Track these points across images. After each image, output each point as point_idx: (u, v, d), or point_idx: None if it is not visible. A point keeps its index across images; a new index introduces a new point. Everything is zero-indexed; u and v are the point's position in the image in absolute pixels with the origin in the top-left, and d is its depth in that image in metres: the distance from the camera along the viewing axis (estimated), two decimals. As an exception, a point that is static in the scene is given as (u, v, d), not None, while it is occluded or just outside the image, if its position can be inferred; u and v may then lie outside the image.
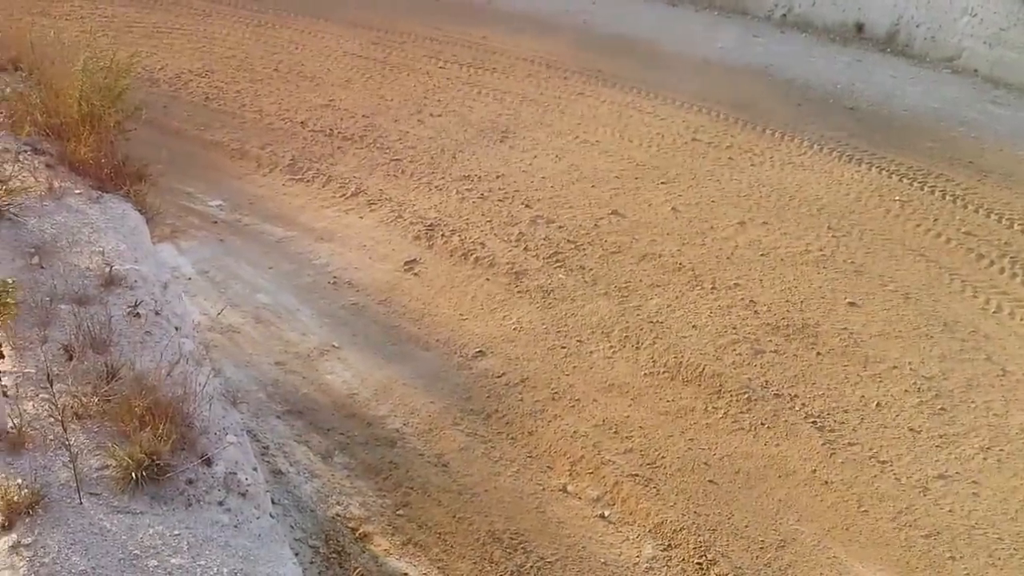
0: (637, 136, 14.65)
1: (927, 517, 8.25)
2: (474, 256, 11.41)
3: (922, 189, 13.42)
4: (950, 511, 8.32)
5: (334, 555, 7.47)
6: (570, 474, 8.50)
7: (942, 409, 9.45)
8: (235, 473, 6.44)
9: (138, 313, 7.53)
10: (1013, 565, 7.83)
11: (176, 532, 5.71)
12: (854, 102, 16.25)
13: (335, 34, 18.13)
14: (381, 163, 13.49)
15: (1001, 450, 9.01)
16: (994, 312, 10.90)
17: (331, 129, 14.38)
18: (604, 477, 8.45)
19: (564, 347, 10.04)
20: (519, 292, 10.86)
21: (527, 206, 12.52)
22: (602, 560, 7.72)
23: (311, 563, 7.34)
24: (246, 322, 10.07)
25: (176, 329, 7.78)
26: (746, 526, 8.07)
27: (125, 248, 8.41)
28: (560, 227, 12.07)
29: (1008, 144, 14.98)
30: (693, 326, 10.39)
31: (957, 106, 16.23)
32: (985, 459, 8.89)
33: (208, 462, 6.35)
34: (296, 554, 6.96)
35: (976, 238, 12.29)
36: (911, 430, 9.18)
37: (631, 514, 8.13)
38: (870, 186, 13.46)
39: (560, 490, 8.35)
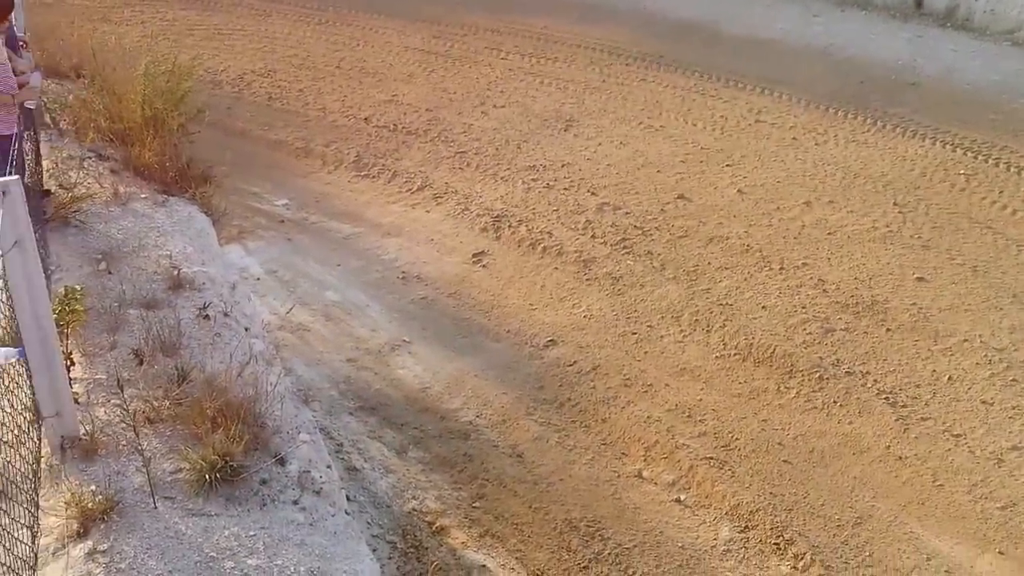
0: (701, 120, 14.58)
1: (1002, 489, 8.16)
2: (542, 246, 11.42)
3: (987, 162, 13.23)
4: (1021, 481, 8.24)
5: (411, 549, 7.50)
6: (645, 460, 8.49)
7: (1014, 380, 9.32)
8: (309, 471, 6.51)
9: (207, 315, 7.64)
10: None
11: (252, 533, 5.77)
12: (916, 78, 16.02)
13: (396, 29, 18.25)
14: (446, 156, 13.55)
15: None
16: (1064, 283, 10.70)
17: (395, 124, 14.46)
18: (679, 461, 8.43)
19: (635, 333, 10.02)
20: (588, 280, 10.85)
21: (593, 194, 12.51)
22: (679, 544, 7.70)
23: (389, 558, 7.38)
24: (316, 320, 10.16)
25: (246, 330, 7.89)
26: (822, 505, 8.02)
27: (192, 251, 8.55)
28: (627, 213, 12.05)
29: (1074, 115, 14.68)
30: (763, 307, 10.33)
31: (1019, 78, 15.95)
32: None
33: (282, 461, 6.43)
34: (374, 550, 7.03)
35: (1043, 209, 12.08)
36: (983, 402, 9.07)
37: (707, 497, 8.11)
38: (934, 161, 13.28)
39: (635, 476, 8.34)
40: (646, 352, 9.76)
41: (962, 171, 13.02)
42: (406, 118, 14.66)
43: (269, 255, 11.25)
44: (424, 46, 17.48)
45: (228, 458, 5.99)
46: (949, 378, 9.37)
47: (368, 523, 7.70)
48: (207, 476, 5.88)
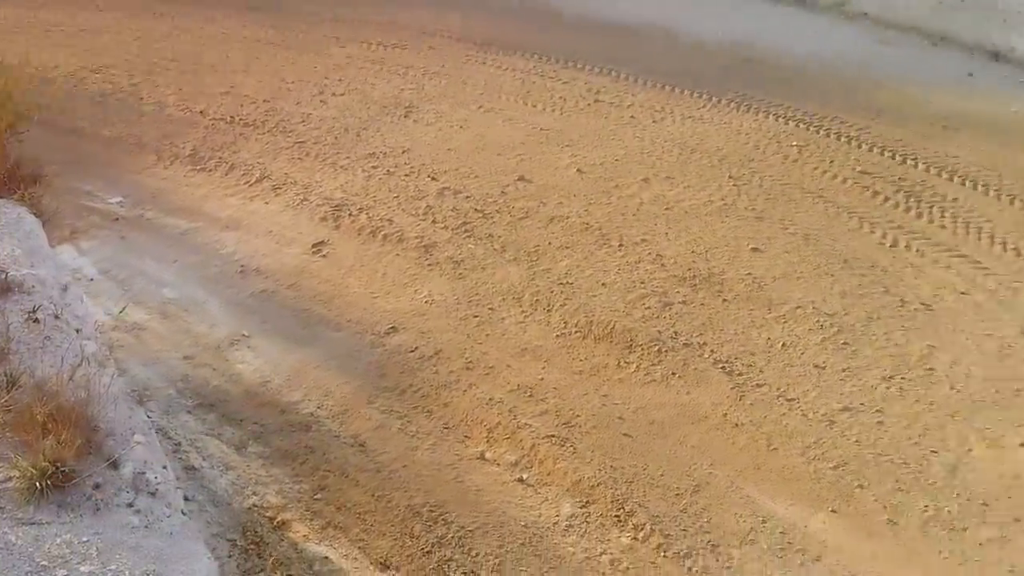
0: (540, 101, 14.68)
1: (835, 449, 8.43)
2: (382, 233, 11.36)
3: (818, 133, 13.61)
4: (856, 441, 8.52)
5: (252, 546, 7.40)
6: (487, 441, 8.53)
7: (844, 344, 9.63)
8: (144, 473, 6.36)
9: (36, 319, 7.40)
10: (918, 488, 8.05)
11: (84, 539, 5.63)
12: (750, 53, 16.38)
13: (233, 20, 17.92)
14: (284, 147, 13.38)
15: (903, 378, 9.23)
16: (891, 246, 11.11)
17: (232, 116, 14.21)
18: (521, 441, 8.48)
19: (476, 316, 10.05)
20: (429, 265, 10.84)
21: (433, 179, 12.49)
22: (522, 523, 7.76)
23: (229, 556, 7.26)
24: (152, 318, 9.94)
25: (77, 332, 7.65)
26: (661, 475, 8.17)
27: (20, 253, 8.27)
28: (467, 197, 12.07)
29: (899, 83, 15.30)
30: (602, 284, 10.45)
31: (850, 49, 16.54)
32: (888, 388, 9.10)
33: (115, 464, 6.27)
34: (213, 549, 6.90)
35: (871, 176, 12.51)
36: (816, 367, 9.35)
37: (549, 475, 8.18)
38: (768, 134, 13.63)
39: (478, 458, 8.38)
40: (488, 335, 9.79)
41: (794, 143, 13.38)
42: (243, 110, 14.42)
43: (103, 254, 10.94)
44: (262, 36, 17.21)
45: (59, 464, 5.83)
46: (783, 344, 9.62)
47: (208, 522, 7.56)
48: (38, 483, 5.73)
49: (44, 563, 5.38)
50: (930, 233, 11.32)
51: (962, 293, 10.35)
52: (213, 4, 18.59)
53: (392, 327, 9.89)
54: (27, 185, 9.47)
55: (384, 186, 12.33)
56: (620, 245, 11.07)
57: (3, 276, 7.73)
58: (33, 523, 5.64)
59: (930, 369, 9.35)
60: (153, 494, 6.24)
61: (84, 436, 6.21)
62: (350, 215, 11.69)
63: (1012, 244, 11.02)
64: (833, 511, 7.87)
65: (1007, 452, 8.37)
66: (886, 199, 11.98)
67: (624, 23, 17.83)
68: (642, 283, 10.46)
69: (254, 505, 7.83)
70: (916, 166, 12.66)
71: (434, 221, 11.57)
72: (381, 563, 7.41)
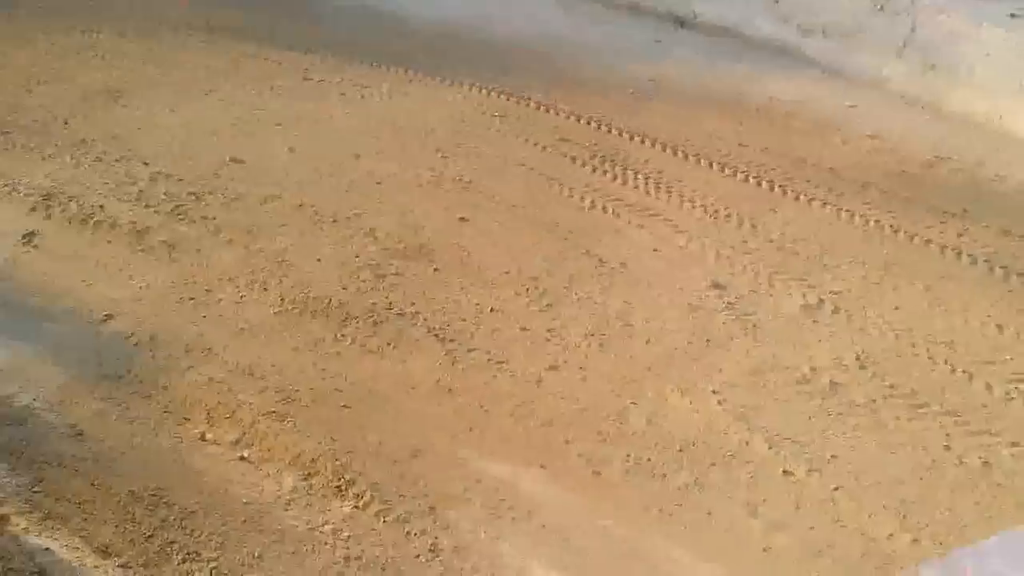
0: (251, 81, 14.68)
1: (542, 407, 8.94)
2: (94, 220, 11.21)
3: (519, 104, 14.19)
4: (562, 398, 9.05)
5: (-31, 542, 7.35)
6: (207, 421, 8.64)
7: (548, 305, 10.19)
8: None
9: None
10: (620, 439, 8.66)
11: None
12: (455, 28, 16.83)
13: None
14: (-12, 138, 12.96)
15: (603, 335, 9.83)
16: (589, 209, 11.77)
17: (-69, 112, 13.63)
18: (241, 419, 8.64)
19: (192, 298, 10.10)
20: (143, 250, 10.79)
21: (145, 164, 12.38)
22: (244, 500, 7.93)
23: (-55, 555, 7.21)
24: None
25: None
26: (380, 444, 8.48)
27: None
28: (180, 180, 12.04)
29: (594, 53, 16.07)
30: (318, 260, 10.69)
31: (551, 25, 17.10)
32: (589, 346, 9.68)
33: None
34: None
35: (570, 143, 13.19)
36: (522, 329, 9.86)
37: (270, 450, 8.37)
38: (472, 107, 14.12)
39: (198, 439, 8.47)
40: (204, 316, 9.88)
41: (496, 113, 13.93)
42: (-55, 105, 13.85)
43: None
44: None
45: None
46: (491, 309, 10.10)
47: (-79, 526, 7.47)
48: None
49: None
50: (625, 195, 12.03)
51: (655, 251, 11.07)
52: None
53: (108, 315, 9.82)
54: None
55: (94, 173, 12.14)
56: (334, 221, 11.32)
57: None
58: None
59: (628, 325, 9.98)
60: None
61: None
62: (60, 204, 11.45)
63: (700, 202, 11.83)
64: (542, 467, 8.35)
65: (700, 401, 9.04)
66: (583, 164, 12.64)
67: (332, 5, 17.86)
68: (356, 257, 10.75)
69: (-31, 502, 7.75)
70: (610, 132, 13.40)
71: (147, 206, 11.50)
72: (103, 550, 7.44)
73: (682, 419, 8.88)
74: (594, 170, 12.46)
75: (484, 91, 14.43)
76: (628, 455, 8.47)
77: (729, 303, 10.35)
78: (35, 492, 7.89)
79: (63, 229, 11.15)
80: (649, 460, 8.44)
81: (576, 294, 10.37)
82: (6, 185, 11.86)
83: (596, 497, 8.12)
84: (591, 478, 8.28)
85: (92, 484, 7.99)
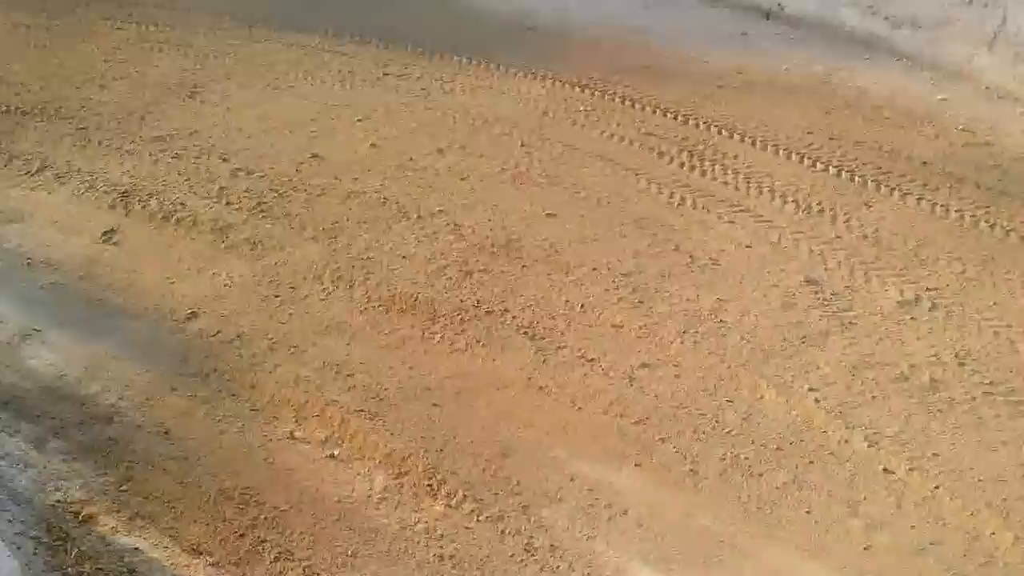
0: (329, 77, 14.50)
1: (636, 405, 8.69)
2: (175, 217, 11.13)
3: (603, 97, 13.87)
4: (656, 396, 8.79)
5: (58, 542, 7.25)
6: (296, 420, 8.51)
7: (640, 302, 9.90)
8: None
9: None
10: (716, 437, 8.40)
11: None
12: (533, 21, 16.52)
13: (-5, 4, 17.11)
14: (66, 134, 12.90)
15: (696, 332, 9.55)
16: (678, 205, 11.42)
17: (6, 105, 13.61)
18: (330, 418, 8.49)
19: (277, 296, 9.97)
20: (226, 248, 10.68)
21: (225, 160, 12.27)
22: (335, 499, 7.79)
23: (35, 554, 7.10)
24: (-66, 319, 9.54)
25: None
26: (471, 442, 8.30)
27: None
28: (261, 176, 11.91)
29: (678, 45, 15.62)
30: (403, 257, 10.49)
31: (629, 15, 16.69)
32: (682, 343, 9.40)
33: None
34: (18, 548, 6.84)
35: (656, 137, 12.82)
36: (614, 326, 9.60)
37: (360, 449, 8.22)
38: (555, 100, 13.82)
39: (288, 437, 8.35)
40: (290, 313, 9.74)
41: (581, 107, 13.60)
42: (17, 97, 13.82)
43: None
44: (31, 21, 16.44)
45: None
46: (581, 306, 9.84)
47: (9, 521, 7.37)
48: None
49: None
50: (714, 190, 11.68)
51: (747, 246, 10.73)
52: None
53: (192, 312, 9.73)
54: None
55: (173, 169, 12.05)
56: (418, 217, 11.12)
57: None
58: None
59: (721, 322, 9.68)
60: None
61: None
62: (140, 201, 11.40)
63: (791, 197, 11.47)
64: (637, 465, 8.13)
65: (796, 398, 8.74)
66: (671, 159, 12.29)
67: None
68: (442, 254, 10.54)
69: (58, 501, 7.65)
70: (697, 126, 13.02)
71: (228, 203, 11.39)
72: (193, 549, 7.35)
73: (779, 417, 8.61)
74: (682, 165, 12.13)
75: (566, 85, 14.15)
76: (724, 453, 8.24)
77: (824, 299, 10.00)
78: (123, 491, 7.81)
79: (143, 226, 11.07)
80: (746, 458, 8.20)
81: (667, 290, 10.08)
82: (84, 182, 11.83)
83: (693, 495, 7.91)
84: (687, 476, 8.05)
85: (181, 483, 7.89)
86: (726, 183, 11.84)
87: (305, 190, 11.66)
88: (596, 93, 13.99)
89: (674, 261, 10.51)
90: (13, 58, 15.13)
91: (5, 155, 12.39)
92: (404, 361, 9.16)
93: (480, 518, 7.68)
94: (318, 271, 10.30)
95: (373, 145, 12.66)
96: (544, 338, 9.45)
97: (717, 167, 12.15)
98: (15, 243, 10.74)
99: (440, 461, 8.10)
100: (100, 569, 7.11)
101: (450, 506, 7.77)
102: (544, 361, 9.17)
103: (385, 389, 8.83)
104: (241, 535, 7.48)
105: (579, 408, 8.67)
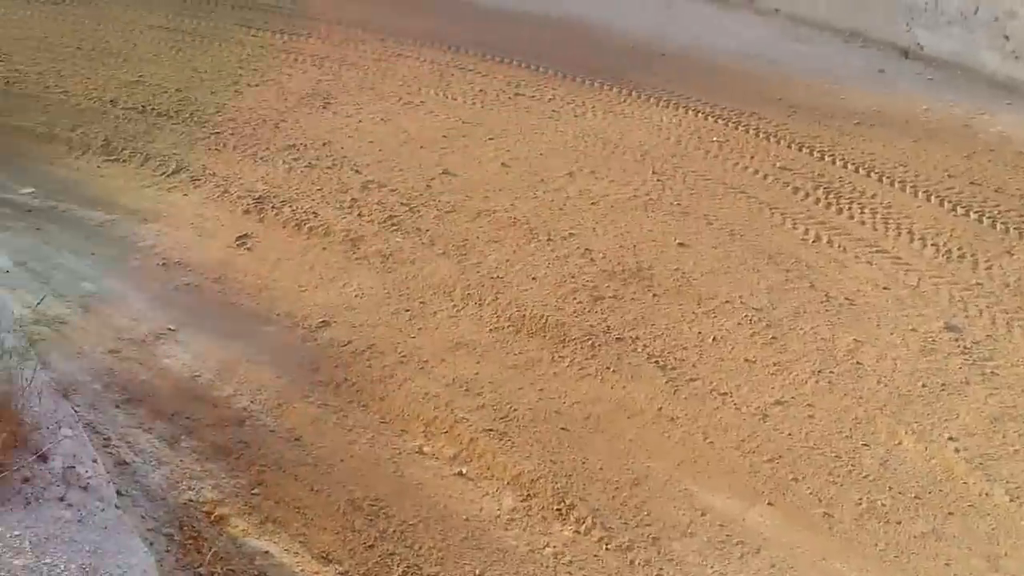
0: (460, 94, 14.63)
1: (768, 443, 8.54)
2: (308, 226, 11.26)
3: (736, 128, 13.77)
4: (789, 435, 8.62)
5: (190, 541, 7.26)
6: (425, 435, 8.50)
7: (773, 338, 9.74)
8: (74, 467, 6.38)
9: None
10: (851, 481, 8.18)
11: (16, 532, 5.62)
12: (667, 48, 16.54)
13: (137, 6, 17.51)
14: (201, 137, 13.18)
15: (831, 372, 9.35)
16: (813, 241, 11.25)
17: (144, 106, 13.94)
18: (459, 435, 8.47)
19: (408, 310, 10.00)
20: (357, 259, 10.77)
21: (357, 171, 12.40)
22: (464, 517, 7.76)
23: (167, 551, 7.10)
24: (72, 312, 9.72)
25: (-5, 324, 7.56)
26: (600, 469, 8.21)
27: (-71, 250, 8.13)
28: (393, 190, 12.00)
29: (813, 79, 15.49)
30: (533, 278, 10.47)
31: (763, 45, 16.68)
32: (817, 382, 9.21)
33: (44, 457, 6.26)
34: (151, 544, 6.82)
35: (791, 172, 12.68)
36: (747, 361, 9.45)
37: (488, 469, 8.19)
38: (688, 129, 13.74)
39: (416, 452, 8.34)
40: (420, 328, 9.75)
41: (714, 138, 13.51)
42: (155, 99, 14.15)
43: (17, 246, 10.66)
44: (169, 24, 16.88)
45: None
46: (713, 339, 9.72)
47: (142, 517, 7.38)
48: None
49: (-26, 556, 5.16)
50: (851, 228, 11.50)
51: (884, 288, 10.51)
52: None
53: (323, 321, 9.80)
54: (-66, 175, 9.27)
55: (307, 179, 12.22)
56: (548, 239, 11.10)
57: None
58: (-39, 516, 5.48)
59: (857, 363, 9.47)
60: (85, 488, 6.24)
61: (9, 429, 6.19)
62: (273, 208, 11.57)
63: (931, 240, 11.24)
64: (770, 504, 7.97)
65: (936, 446, 8.50)
66: (806, 195, 12.14)
67: (537, 15, 17.88)
68: (572, 277, 10.50)
69: (190, 500, 7.70)
70: (834, 162, 12.87)
71: (360, 214, 11.49)
72: (323, 557, 7.35)
73: (917, 465, 8.36)
74: (817, 201, 11.96)
75: (699, 114, 14.08)
76: (861, 498, 8.01)
77: (965, 347, 9.73)
78: (254, 494, 7.84)
79: (276, 233, 11.22)
80: (883, 505, 7.96)
81: (802, 328, 9.90)
82: (218, 186, 12.04)
83: (827, 538, 7.70)
84: (821, 518, 7.84)
85: (312, 490, 7.90)
86: (863, 222, 11.63)
87: (435, 206, 11.71)
88: (730, 124, 13.88)
89: (809, 298, 10.33)
90: (151, 60, 15.49)
91: (141, 155, 12.66)
92: (533, 383, 9.11)
93: (609, 546, 7.57)
94: (448, 287, 10.32)
95: (504, 164, 12.69)
96: (675, 368, 9.34)
97: (854, 205, 11.95)
98: (150, 243, 10.93)
99: (569, 486, 8.02)
100: (232, 570, 7.10)
101: (579, 532, 7.67)
102: (675, 392, 9.06)
103: (514, 410, 8.79)
104: (370, 546, 7.46)
105: (710, 442, 8.54)
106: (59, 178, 12.16)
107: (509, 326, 9.79)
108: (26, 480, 5.98)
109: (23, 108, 13.79)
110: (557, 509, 7.84)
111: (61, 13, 17.19)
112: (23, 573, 5.30)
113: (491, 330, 9.75)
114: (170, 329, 9.60)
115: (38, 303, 9.51)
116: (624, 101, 14.57)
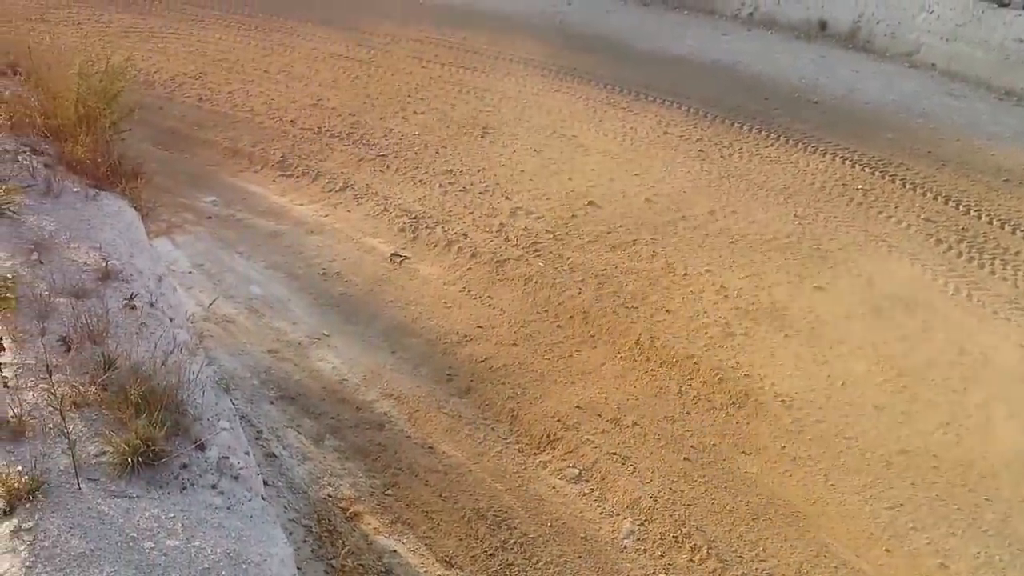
0: (611, 130, 15.11)
1: (890, 490, 8.67)
2: (457, 246, 11.85)
3: (883, 178, 13.88)
4: (912, 484, 8.74)
5: (326, 534, 7.83)
6: (551, 453, 8.89)
7: (904, 387, 9.87)
8: (228, 457, 6.67)
9: (134, 305, 7.74)
10: (970, 534, 8.26)
11: (171, 515, 5.91)
12: (818, 96, 16.70)
13: (322, 37, 18.72)
14: (367, 159, 13.94)
15: (960, 425, 9.42)
16: (952, 294, 11.33)
17: (319, 127, 14.84)
18: (584, 456, 8.84)
19: (543, 333, 10.45)
20: (500, 280, 11.29)
21: (507, 198, 12.97)
22: (582, 536, 8.10)
23: (304, 542, 7.70)
24: (239, 313, 10.47)
25: (170, 320, 8.00)
26: (720, 501, 8.46)
27: (121, 243, 8.63)
28: (539, 218, 12.52)
29: (964, 134, 15.46)
30: (667, 311, 10.81)
31: (916, 99, 16.71)
32: (945, 434, 9.30)
33: (202, 447, 6.58)
34: (290, 533, 7.32)
35: (935, 224, 12.74)
36: (875, 407, 9.60)
37: (610, 491, 8.52)
38: (834, 175, 13.93)
39: (542, 468, 8.74)
40: (554, 351, 10.19)
41: (860, 186, 13.66)
42: (330, 121, 15.04)
43: (196, 249, 11.53)
44: (348, 53, 17.88)
45: (150, 443, 6.11)
46: (843, 383, 9.90)
47: (285, 507, 8.03)
48: (130, 460, 6.00)
49: (133, 534, 5.66)
50: (991, 284, 11.56)
51: (1020, 346, 10.54)
52: (302, 21, 19.41)
53: (465, 337, 10.34)
54: (128, 180, 9.95)
55: (460, 202, 12.83)
56: (685, 274, 11.45)
57: (105, 264, 8.15)
58: (124, 496, 5.91)
59: (988, 419, 9.53)
60: (236, 478, 6.54)
61: (173, 419, 6.50)
62: (427, 227, 12.20)
63: (1080, 306, 11.21)
64: (887, 550, 8.11)
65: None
66: (949, 247, 12.23)
67: (691, 60, 18.27)
68: (705, 312, 10.81)
69: (329, 495, 8.27)
70: (979, 217, 12.90)
71: (506, 239, 12.04)
72: (446, 561, 7.80)
73: (1048, 529, 8.39)
74: (959, 255, 12.03)
75: (847, 161, 14.23)
76: (979, 552, 8.11)
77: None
78: (387, 495, 8.34)
79: (428, 251, 11.83)
80: (1000, 560, 8.03)
81: (933, 379, 10.00)
82: (379, 204, 12.70)
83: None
84: (937, 570, 7.96)
85: (440, 496, 8.37)
86: (1004, 278, 11.66)
87: (579, 235, 12.18)
88: (876, 173, 13.99)
89: (942, 350, 10.41)
90: (329, 85, 16.41)
91: (314, 172, 13.48)
92: (659, 412, 9.43)
93: (724, 578, 7.84)
94: (584, 314, 10.72)
95: (647, 200, 13.09)
96: (802, 409, 9.54)
97: (997, 262, 11.98)
98: (313, 253, 11.64)
99: (688, 515, 8.29)
100: (361, 565, 7.60)
101: (693, 561, 7.93)
102: (800, 432, 9.27)
103: (639, 436, 9.11)
104: (491, 555, 7.87)
105: (832, 484, 8.71)
106: (239, 189, 13.03)
107: (640, 355, 10.13)
108: (184, 467, 6.24)
109: (213, 123, 14.83)
110: (674, 537, 8.10)
111: (254, 39, 18.42)
112: (173, 554, 5.59)
113: (622, 358, 10.11)
114: (324, 334, 10.25)
115: (211, 303, 10.31)
116: (771, 144, 14.81)
